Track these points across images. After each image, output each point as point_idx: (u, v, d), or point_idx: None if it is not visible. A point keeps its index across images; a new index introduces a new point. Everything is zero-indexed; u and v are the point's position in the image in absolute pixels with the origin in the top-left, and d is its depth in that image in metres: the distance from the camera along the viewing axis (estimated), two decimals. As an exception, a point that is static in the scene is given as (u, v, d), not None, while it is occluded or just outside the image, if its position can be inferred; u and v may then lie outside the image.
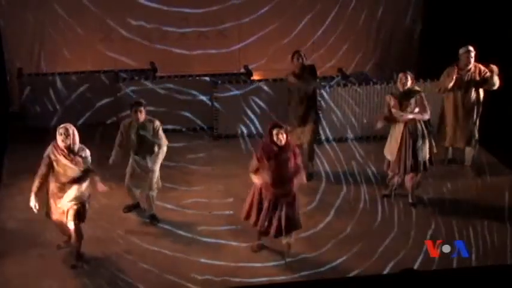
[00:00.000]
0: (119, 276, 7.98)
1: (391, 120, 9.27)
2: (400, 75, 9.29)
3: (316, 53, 12.81)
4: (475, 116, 10.24)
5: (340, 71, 12.51)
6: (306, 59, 9.94)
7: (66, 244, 8.40)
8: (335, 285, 7.19)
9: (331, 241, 8.62)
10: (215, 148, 11.31)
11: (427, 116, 9.19)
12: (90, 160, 7.94)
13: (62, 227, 8.23)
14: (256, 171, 8.11)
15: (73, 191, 7.89)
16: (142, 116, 8.73)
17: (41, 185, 7.92)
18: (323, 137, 11.35)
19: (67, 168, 7.84)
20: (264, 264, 8.24)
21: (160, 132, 8.81)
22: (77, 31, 12.23)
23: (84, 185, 7.95)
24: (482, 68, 10.05)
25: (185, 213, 9.27)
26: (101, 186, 8.08)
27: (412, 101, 9.14)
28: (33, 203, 7.88)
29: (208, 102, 11.71)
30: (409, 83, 9.22)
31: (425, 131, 9.25)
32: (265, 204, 8.09)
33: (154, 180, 8.93)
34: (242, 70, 12.55)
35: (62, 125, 7.87)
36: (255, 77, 12.14)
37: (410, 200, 9.52)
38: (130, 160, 8.91)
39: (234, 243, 8.61)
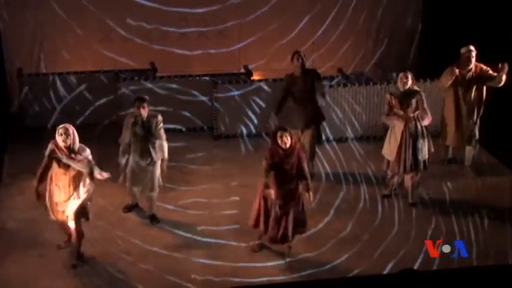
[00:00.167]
0: (119, 277, 7.96)
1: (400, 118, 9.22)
2: (401, 74, 9.29)
3: (316, 53, 12.83)
4: (475, 115, 10.24)
5: (340, 71, 12.50)
6: (306, 59, 9.93)
7: (66, 244, 8.40)
8: (335, 285, 7.17)
9: (331, 241, 8.61)
10: (215, 148, 11.31)
11: (427, 122, 9.19)
12: (91, 159, 7.92)
13: (63, 225, 8.23)
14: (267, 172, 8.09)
15: (74, 191, 7.89)
16: (145, 112, 8.74)
17: (43, 174, 7.89)
18: (323, 137, 11.32)
19: (68, 168, 7.83)
20: (264, 264, 8.23)
21: (161, 126, 8.80)
22: (76, 31, 12.24)
23: (85, 183, 7.94)
24: (484, 67, 10.04)
25: (185, 213, 9.26)
26: (103, 174, 8.04)
27: (413, 101, 9.14)
28: (35, 185, 7.86)
29: (208, 102, 11.72)
30: (409, 82, 9.23)
31: (425, 131, 9.26)
32: (273, 213, 8.12)
33: (155, 180, 8.93)
34: (242, 70, 12.54)
35: (61, 125, 7.86)
36: (255, 77, 12.14)
37: (410, 200, 9.52)
38: (131, 160, 8.90)
39: (234, 243, 8.60)
